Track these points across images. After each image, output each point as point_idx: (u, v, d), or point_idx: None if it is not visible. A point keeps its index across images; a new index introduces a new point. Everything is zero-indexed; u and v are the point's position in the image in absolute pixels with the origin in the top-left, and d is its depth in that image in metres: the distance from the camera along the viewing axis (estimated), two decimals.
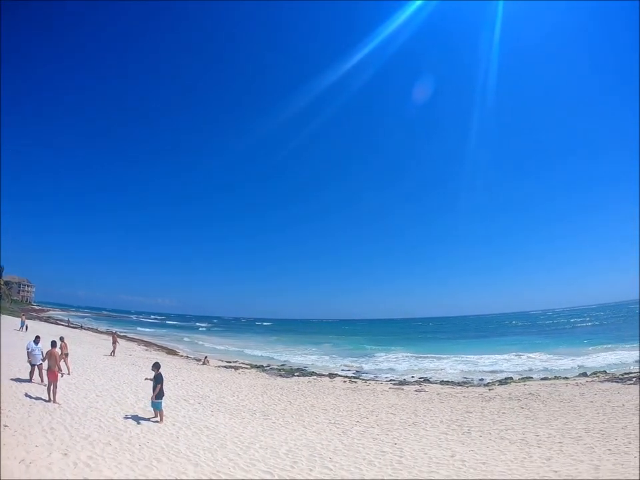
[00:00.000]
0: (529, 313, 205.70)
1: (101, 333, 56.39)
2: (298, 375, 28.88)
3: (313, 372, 30.95)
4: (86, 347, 32.45)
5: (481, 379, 27.25)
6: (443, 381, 26.95)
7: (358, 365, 36.80)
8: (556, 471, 9.90)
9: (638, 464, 10.01)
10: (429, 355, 42.48)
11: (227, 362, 35.34)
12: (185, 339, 62.63)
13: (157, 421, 12.67)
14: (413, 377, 29.40)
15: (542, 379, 25.13)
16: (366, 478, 9.53)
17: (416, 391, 22.63)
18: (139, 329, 79.21)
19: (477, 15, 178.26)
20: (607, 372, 25.73)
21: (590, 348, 40.20)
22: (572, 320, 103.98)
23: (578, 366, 29.97)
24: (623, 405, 16.65)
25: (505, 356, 38.48)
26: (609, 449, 11.47)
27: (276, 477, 9.17)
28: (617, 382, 21.75)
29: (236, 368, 31.21)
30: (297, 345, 60.98)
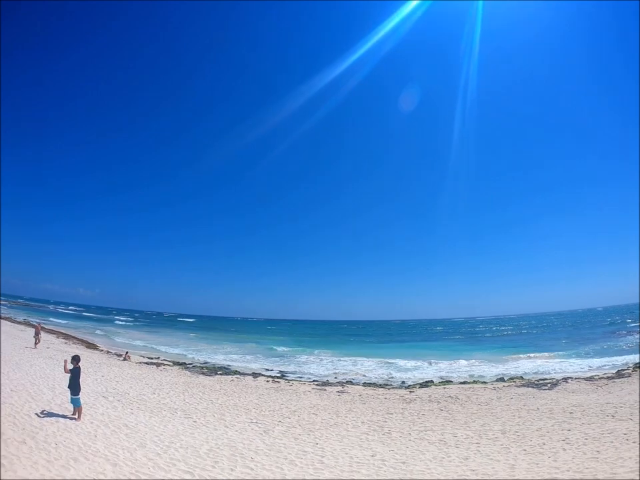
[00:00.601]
0: (453, 320, 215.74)
1: (18, 323, 52.33)
2: (221, 374, 28.41)
3: (236, 371, 30.54)
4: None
5: (403, 382, 27.79)
6: (365, 382, 27.30)
7: (281, 365, 36.57)
8: (473, 470, 10.15)
9: (552, 463, 10.51)
10: (352, 357, 42.97)
11: (149, 358, 34.24)
12: (98, 332, 59.34)
13: (74, 419, 11.94)
14: (335, 378, 29.54)
15: (461, 383, 25.93)
16: (287, 478, 9.42)
17: (338, 392, 22.74)
18: (52, 319, 73.40)
19: (459, 19, 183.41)
20: (523, 378, 27.09)
21: (508, 355, 42.19)
22: (493, 328, 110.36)
23: (496, 371, 31.26)
24: (538, 408, 17.53)
25: (427, 360, 39.55)
26: (524, 450, 11.96)
27: (196, 477, 8.91)
28: (533, 387, 22.83)
29: (158, 365, 30.35)
30: (221, 343, 59.69)
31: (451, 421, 15.94)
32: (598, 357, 36.05)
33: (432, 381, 26.94)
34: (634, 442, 11.90)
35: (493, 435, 13.89)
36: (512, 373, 30.29)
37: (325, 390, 23.25)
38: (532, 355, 41.36)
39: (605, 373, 26.66)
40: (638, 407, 16.35)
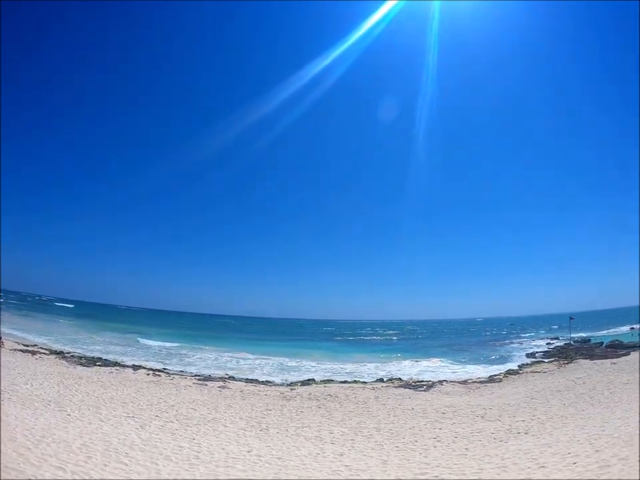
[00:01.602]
0: (345, 322, 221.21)
1: None
2: (100, 365, 27.03)
3: (116, 362, 29.20)
4: None
5: (285, 379, 28.08)
6: (247, 378, 27.29)
7: (164, 358, 35.66)
8: (347, 465, 10.35)
9: (423, 459, 11.04)
10: (238, 353, 42.72)
11: (24, 345, 31.56)
12: None
13: None
14: (218, 373, 29.19)
15: (342, 382, 26.61)
16: (162, 473, 9.13)
17: (219, 387, 22.56)
18: None
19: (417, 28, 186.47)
20: (402, 379, 28.51)
21: (391, 358, 44.34)
22: (380, 330, 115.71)
23: (377, 373, 32.53)
24: (412, 408, 18.46)
25: (312, 359, 40.35)
26: (397, 446, 12.53)
27: (68, 473, 8.37)
28: (410, 388, 24.01)
29: (33, 353, 28.19)
30: (102, 332, 56.15)
31: (329, 419, 16.28)
32: (473, 363, 38.92)
33: (313, 379, 27.37)
34: (501, 440, 12.90)
35: (368, 432, 14.40)
36: (393, 374, 31.65)
37: (206, 385, 22.96)
38: (414, 358, 43.61)
39: (479, 378, 28.77)
40: (507, 409, 17.93)
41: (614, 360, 30.89)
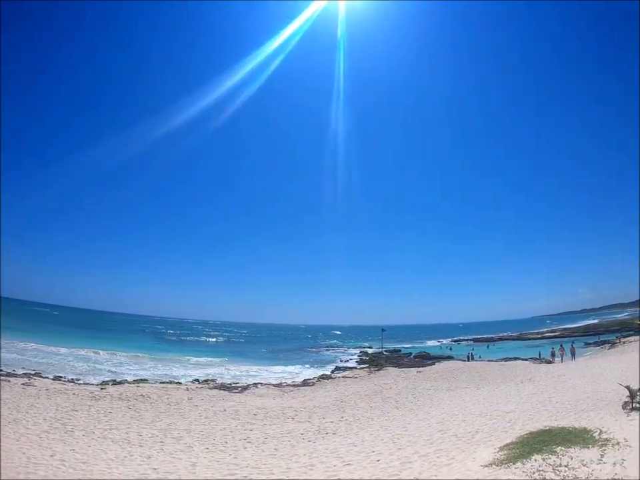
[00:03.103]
0: (167, 319, 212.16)
1: None
2: None
3: None
4: None
5: (97, 378, 27.04)
6: (56, 375, 25.77)
7: None
8: (155, 469, 10.37)
9: (232, 460, 11.57)
10: (54, 347, 40.17)
11: None
12: None
13: None
14: (23, 368, 27.23)
15: (156, 382, 26.11)
16: None
17: (23, 384, 20.86)
18: None
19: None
20: (217, 381, 28.94)
21: (211, 359, 44.68)
22: (208, 331, 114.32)
23: (195, 373, 32.59)
24: (225, 409, 18.99)
25: (131, 356, 39.30)
26: (207, 448, 12.88)
27: None
28: (225, 390, 24.44)
29: None
30: None
31: (138, 420, 15.98)
32: (290, 367, 40.91)
33: (126, 379, 26.44)
34: (309, 441, 14.03)
35: (178, 434, 14.50)
36: (210, 375, 31.89)
37: (9, 382, 20.89)
38: (235, 361, 44.47)
39: (293, 381, 30.43)
40: (317, 411, 19.40)
41: (420, 368, 35.36)
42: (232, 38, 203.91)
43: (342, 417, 18.09)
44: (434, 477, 9.25)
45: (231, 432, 15.21)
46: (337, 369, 39.74)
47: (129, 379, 27.30)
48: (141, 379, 27.18)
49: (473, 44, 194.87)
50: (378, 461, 11.12)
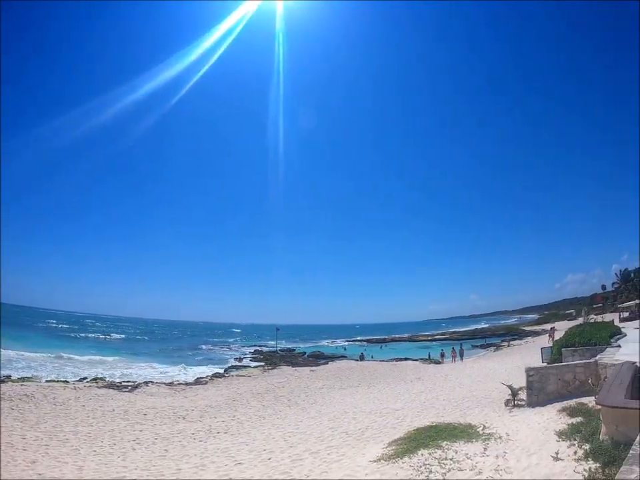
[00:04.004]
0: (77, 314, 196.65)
1: None
2: None
3: None
4: None
5: None
6: None
7: None
8: (40, 474, 10.18)
9: (121, 463, 11.61)
10: None
11: None
12: None
13: None
14: None
15: (44, 381, 25.12)
16: None
17: None
18: None
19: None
20: (106, 379, 28.00)
21: (104, 357, 42.87)
22: (101, 327, 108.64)
23: (83, 372, 31.52)
24: (114, 409, 18.59)
25: (13, 353, 37.07)
26: (95, 450, 12.72)
27: None
28: (114, 389, 23.75)
29: None
30: None
31: (22, 422, 15.31)
32: (184, 365, 39.87)
33: (10, 378, 25.00)
34: (200, 440, 14.30)
35: (64, 436, 14.13)
36: (101, 374, 30.84)
37: None
38: (128, 359, 43.19)
39: (186, 380, 30.22)
40: (209, 410, 19.55)
41: (313, 368, 36.53)
42: (161, 36, 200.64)
43: (234, 416, 18.45)
44: (324, 474, 9.87)
45: (120, 433, 15.02)
46: (231, 367, 39.96)
47: (13, 377, 25.76)
48: (26, 377, 25.83)
49: (411, 44, 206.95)
50: (269, 459, 11.62)
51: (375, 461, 9.77)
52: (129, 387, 24.76)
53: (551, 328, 49.05)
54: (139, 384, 26.21)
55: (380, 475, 8.87)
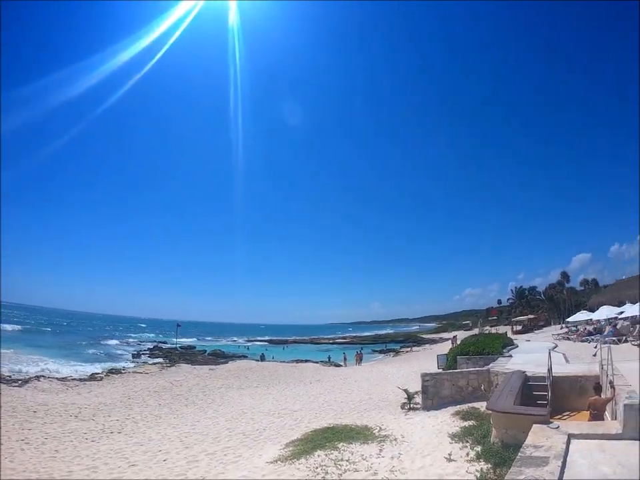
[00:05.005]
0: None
1: None
2: None
3: None
4: None
5: None
6: None
7: None
8: None
9: (8, 464, 11.12)
10: None
11: None
12: None
13: None
14: None
15: None
16: None
17: None
18: None
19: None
20: None
21: None
22: None
23: None
24: (0, 406, 17.43)
25: None
26: None
27: None
28: (3, 383, 22.45)
29: None
30: None
31: None
32: (79, 360, 38.43)
33: None
34: (93, 440, 14.02)
35: None
36: None
37: None
38: (22, 351, 40.41)
39: (80, 375, 29.18)
40: (103, 408, 19.03)
41: (213, 366, 36.54)
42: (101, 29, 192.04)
43: (129, 415, 18.16)
44: (221, 475, 10.06)
45: (7, 432, 14.22)
46: (129, 363, 39.05)
47: None
48: None
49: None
50: (165, 460, 11.65)
51: (272, 462, 10.13)
52: (19, 382, 23.65)
53: (454, 336, 52.01)
54: (30, 378, 25.12)
55: (277, 475, 9.25)
